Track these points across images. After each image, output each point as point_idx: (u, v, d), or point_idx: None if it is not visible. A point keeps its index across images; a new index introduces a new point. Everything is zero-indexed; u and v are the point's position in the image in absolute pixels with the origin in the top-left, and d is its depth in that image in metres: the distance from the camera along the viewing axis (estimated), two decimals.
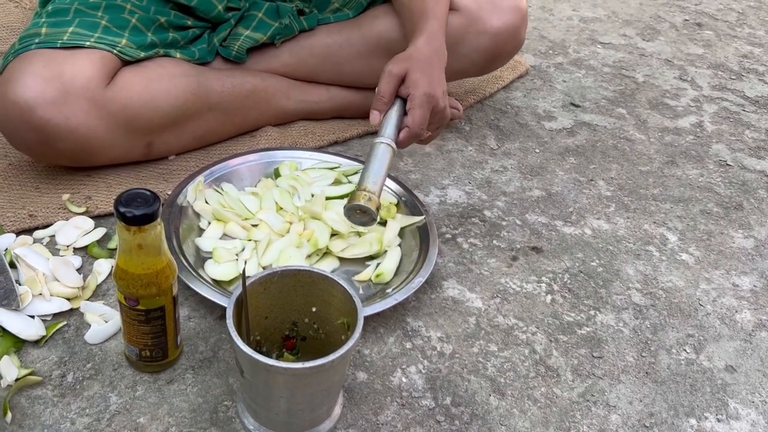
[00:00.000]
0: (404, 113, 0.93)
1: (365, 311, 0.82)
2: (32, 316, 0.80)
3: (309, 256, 0.91)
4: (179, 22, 1.07)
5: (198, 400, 0.75)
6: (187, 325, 0.83)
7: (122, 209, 0.65)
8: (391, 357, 0.82)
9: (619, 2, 1.89)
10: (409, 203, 1.00)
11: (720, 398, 0.83)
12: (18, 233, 0.91)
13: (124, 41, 0.98)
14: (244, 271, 0.70)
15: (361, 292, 0.89)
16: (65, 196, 0.97)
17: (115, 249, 0.90)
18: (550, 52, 1.59)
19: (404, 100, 0.93)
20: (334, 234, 0.94)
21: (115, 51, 0.96)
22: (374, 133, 0.94)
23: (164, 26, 1.04)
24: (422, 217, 0.97)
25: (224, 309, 0.80)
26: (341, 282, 0.71)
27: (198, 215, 0.95)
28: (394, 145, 0.91)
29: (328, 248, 0.93)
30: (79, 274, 0.86)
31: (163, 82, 0.99)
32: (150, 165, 1.05)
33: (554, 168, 1.20)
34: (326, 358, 0.64)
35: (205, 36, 1.10)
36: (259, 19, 1.10)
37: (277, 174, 1.03)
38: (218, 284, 0.86)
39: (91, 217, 0.95)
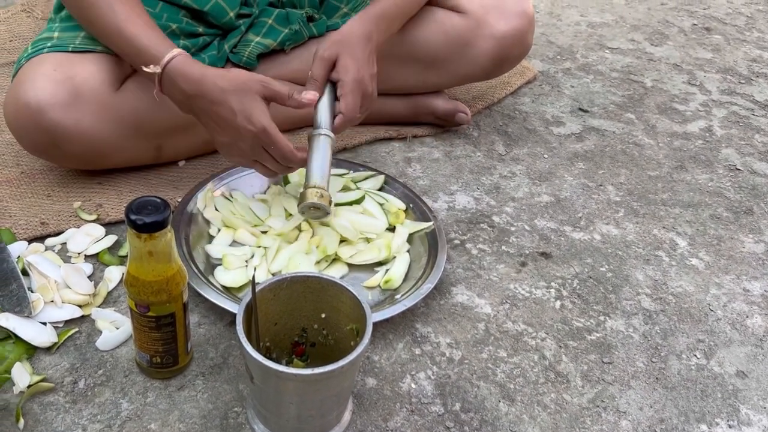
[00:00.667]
0: (335, 98, 0.94)
1: (374, 317, 0.82)
2: (44, 323, 0.80)
3: (318, 262, 0.91)
4: (190, 29, 1.07)
5: (208, 407, 0.75)
6: (197, 331, 0.83)
7: (133, 217, 0.65)
8: (401, 363, 0.82)
9: (627, 7, 1.88)
10: (418, 209, 1.00)
11: (731, 404, 0.82)
12: (30, 241, 0.92)
13: None
14: (253, 277, 0.70)
15: (370, 298, 0.89)
16: (76, 204, 0.98)
17: (126, 256, 0.91)
18: (558, 57, 1.59)
19: (334, 84, 0.95)
20: (342, 240, 0.94)
21: None
22: (311, 126, 0.96)
23: (176, 33, 1.05)
24: (431, 223, 0.97)
25: (234, 315, 0.81)
26: (350, 288, 0.71)
27: (208, 222, 0.96)
28: (332, 135, 0.93)
29: (336, 254, 0.93)
30: (90, 281, 0.86)
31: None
32: (160, 172, 1.06)
33: (563, 173, 1.20)
34: (335, 364, 0.64)
35: (215, 43, 1.10)
36: (269, 25, 1.11)
37: (286, 181, 1.04)
38: (228, 291, 0.86)
39: (102, 225, 0.96)
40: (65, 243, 0.92)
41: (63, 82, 0.90)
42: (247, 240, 0.93)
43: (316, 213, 0.90)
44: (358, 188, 1.03)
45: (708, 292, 0.98)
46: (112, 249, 0.93)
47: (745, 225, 1.12)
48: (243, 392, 0.77)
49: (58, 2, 1.09)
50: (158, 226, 0.66)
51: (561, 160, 1.23)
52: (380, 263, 0.93)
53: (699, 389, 0.83)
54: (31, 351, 0.78)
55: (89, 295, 0.84)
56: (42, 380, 0.75)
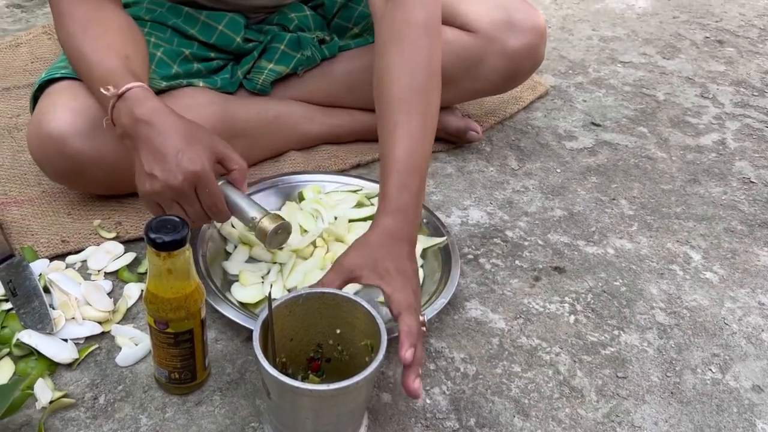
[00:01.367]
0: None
1: (388, 333, 0.83)
2: (65, 340, 0.82)
3: None
4: (203, 54, 1.09)
5: (225, 422, 0.76)
6: (214, 347, 0.84)
7: (152, 235, 0.67)
8: None
9: (638, 21, 1.89)
10: (431, 224, 1.01)
11: (747, 419, 0.82)
12: (51, 259, 0.94)
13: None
14: (269, 294, 0.72)
15: (384, 313, 0.90)
16: (96, 222, 1.00)
17: (145, 273, 0.93)
18: (570, 72, 1.60)
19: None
20: None
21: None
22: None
23: (189, 58, 1.07)
24: (444, 238, 0.98)
25: (250, 331, 0.82)
26: (364, 304, 0.72)
27: (224, 239, 0.97)
28: (228, 180, 0.86)
29: None
30: (110, 298, 0.88)
31: (190, 111, 1.01)
32: None
33: (576, 187, 1.20)
34: (350, 380, 0.65)
35: (228, 67, 1.12)
36: (282, 51, 1.12)
37: (301, 197, 1.05)
38: (244, 307, 0.88)
39: (122, 242, 0.97)
40: (85, 260, 0.94)
41: (82, 111, 0.92)
42: (263, 256, 0.94)
43: (282, 237, 0.85)
44: (371, 204, 1.04)
45: (723, 306, 0.98)
46: (131, 266, 0.94)
47: (759, 238, 1.12)
48: (260, 407, 0.78)
49: None
50: (177, 244, 0.67)
51: (574, 175, 1.24)
52: None
53: (714, 404, 0.83)
54: (52, 367, 0.79)
55: (109, 311, 0.86)
56: (63, 396, 0.76)
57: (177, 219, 0.69)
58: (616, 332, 0.92)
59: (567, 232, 1.09)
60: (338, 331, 0.76)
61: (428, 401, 0.80)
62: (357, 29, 1.20)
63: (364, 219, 1.00)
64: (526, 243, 1.06)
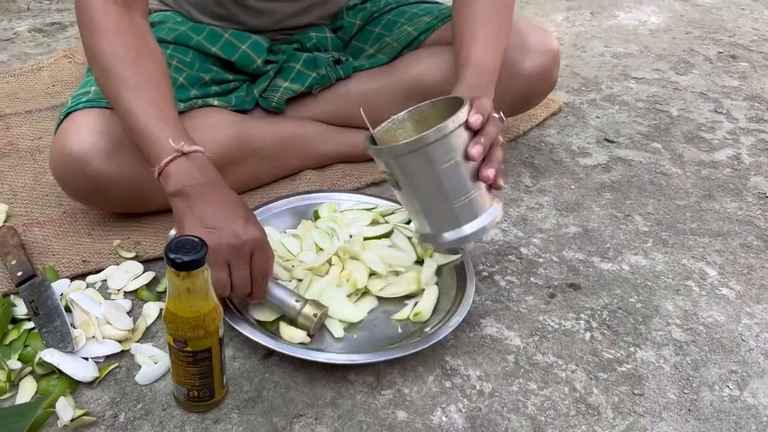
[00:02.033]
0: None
1: (404, 351, 0.84)
2: (86, 358, 0.83)
3: (349, 295, 0.93)
4: (220, 77, 1.12)
5: None
6: (232, 365, 0.85)
7: (172, 256, 0.68)
8: (431, 396, 0.83)
9: (651, 37, 1.90)
10: None
11: None
12: (72, 278, 0.96)
13: None
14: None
15: (399, 331, 0.91)
16: (116, 242, 1.01)
17: (163, 292, 0.94)
18: (583, 88, 1.60)
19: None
20: (372, 274, 0.96)
21: None
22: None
23: (207, 83, 1.10)
24: (459, 256, 0.99)
25: (267, 349, 0.83)
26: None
27: None
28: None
29: (366, 288, 0.95)
30: (130, 317, 0.89)
31: (207, 131, 1.03)
32: None
33: (590, 204, 1.20)
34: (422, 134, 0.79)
35: (243, 86, 1.14)
36: (297, 70, 1.14)
37: (316, 216, 1.07)
38: (261, 325, 0.89)
39: (141, 262, 0.99)
40: (105, 280, 0.96)
41: (104, 133, 0.94)
42: (280, 274, 0.95)
43: (321, 320, 0.88)
44: (386, 222, 1.05)
45: (740, 322, 0.97)
46: (150, 285, 0.96)
47: None
48: (277, 425, 0.78)
49: None
50: (196, 264, 0.69)
51: (588, 191, 1.24)
52: (409, 296, 0.95)
53: (732, 421, 0.83)
54: (74, 386, 0.81)
55: (128, 330, 0.87)
56: (84, 414, 0.77)
57: (196, 239, 0.70)
58: (632, 349, 0.92)
59: (582, 249, 1.09)
60: None
61: (444, 419, 0.81)
62: (372, 50, 1.21)
63: (379, 237, 1.01)
64: (541, 260, 1.06)
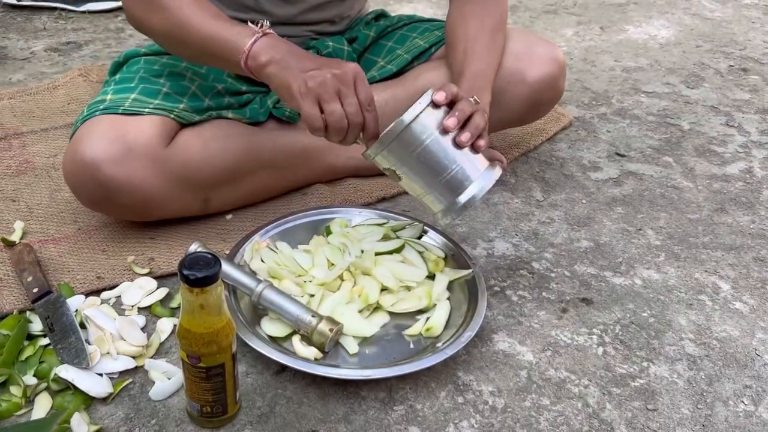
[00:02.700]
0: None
1: (416, 365, 0.84)
2: (100, 374, 0.84)
3: (360, 311, 0.94)
4: (235, 88, 1.13)
5: None
6: (244, 380, 0.86)
7: (186, 272, 0.69)
8: (443, 412, 0.83)
9: (661, 51, 1.90)
10: (457, 256, 1.02)
11: None
12: (87, 294, 0.97)
13: (181, 106, 1.05)
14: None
15: (411, 346, 0.91)
16: (130, 258, 1.02)
17: (177, 308, 0.95)
18: (594, 102, 1.61)
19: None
20: (383, 289, 0.96)
21: (172, 116, 1.03)
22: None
23: (221, 93, 1.11)
24: (470, 270, 0.99)
25: (280, 364, 0.83)
26: None
27: (254, 273, 0.99)
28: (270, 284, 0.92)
29: (378, 303, 0.95)
30: (143, 332, 0.90)
31: (219, 142, 1.05)
32: (208, 225, 1.10)
33: (602, 218, 1.20)
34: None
35: (257, 99, 1.16)
36: None
37: (328, 231, 1.07)
38: (274, 340, 0.89)
39: (154, 278, 1.00)
40: (120, 296, 0.97)
41: (116, 140, 0.96)
42: (292, 290, 0.96)
43: (336, 336, 0.89)
44: (397, 237, 1.05)
45: (754, 337, 0.97)
46: (164, 301, 0.97)
47: None
48: None
49: (112, 67, 1.17)
50: (209, 280, 0.69)
51: (599, 205, 1.24)
52: (421, 311, 0.95)
53: None
54: (88, 401, 0.81)
55: (142, 346, 0.88)
56: (99, 430, 0.78)
57: (209, 256, 0.71)
58: (645, 364, 0.91)
59: (594, 263, 1.09)
60: None
61: None
62: (384, 62, 1.23)
63: (391, 252, 1.02)
64: (553, 274, 1.06)
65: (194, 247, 0.94)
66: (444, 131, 0.88)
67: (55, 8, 1.95)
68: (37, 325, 0.90)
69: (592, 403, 0.85)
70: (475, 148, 0.90)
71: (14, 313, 0.91)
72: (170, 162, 1.00)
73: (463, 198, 0.88)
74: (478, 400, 0.85)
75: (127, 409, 0.81)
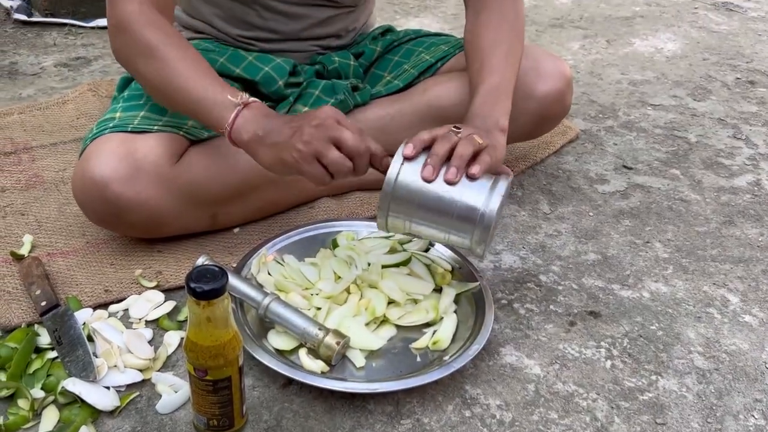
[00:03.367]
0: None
1: (423, 379, 0.83)
2: (108, 388, 0.84)
3: (367, 324, 0.93)
4: None
5: None
6: (251, 394, 0.86)
7: (193, 285, 0.69)
8: (451, 425, 0.83)
9: (668, 64, 1.90)
10: (464, 270, 1.02)
11: None
12: (95, 308, 0.97)
13: (190, 123, 1.06)
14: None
15: (418, 359, 0.91)
16: (138, 272, 1.03)
17: (184, 321, 0.95)
18: (600, 115, 1.61)
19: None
20: (390, 302, 0.96)
21: (180, 132, 1.03)
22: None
23: None
24: (477, 283, 0.99)
25: (287, 378, 0.83)
26: None
27: (261, 286, 0.99)
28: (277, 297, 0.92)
29: (385, 316, 0.95)
30: (151, 346, 0.90)
31: (226, 159, 1.05)
32: (216, 239, 1.11)
33: (609, 231, 1.20)
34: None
35: None
36: (316, 96, 1.16)
37: (334, 244, 1.07)
38: (281, 354, 0.89)
39: (162, 291, 1.00)
40: (127, 309, 0.97)
41: (125, 158, 0.97)
42: (298, 303, 0.96)
43: (343, 349, 0.89)
44: (404, 250, 1.05)
45: (763, 350, 0.96)
46: (171, 314, 0.97)
47: None
48: None
49: (121, 82, 1.18)
50: (216, 293, 0.69)
51: (606, 218, 1.24)
52: (428, 324, 0.95)
53: None
54: (95, 414, 0.81)
55: (150, 359, 0.88)
56: None
57: (216, 269, 0.71)
58: (653, 377, 0.91)
59: (601, 276, 1.09)
60: None
61: None
62: (390, 77, 1.24)
63: (397, 265, 1.02)
64: (560, 287, 1.06)
65: (201, 261, 0.94)
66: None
67: (65, 24, 1.97)
68: (45, 339, 0.90)
69: (601, 417, 0.85)
70: (470, 177, 0.86)
71: (23, 326, 0.92)
72: (178, 179, 1.01)
73: (480, 225, 0.86)
74: (486, 413, 0.85)
75: (134, 422, 0.81)
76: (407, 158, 0.87)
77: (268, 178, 1.10)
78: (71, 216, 1.14)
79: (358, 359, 0.89)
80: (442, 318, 0.95)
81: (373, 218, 1.16)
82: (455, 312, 0.96)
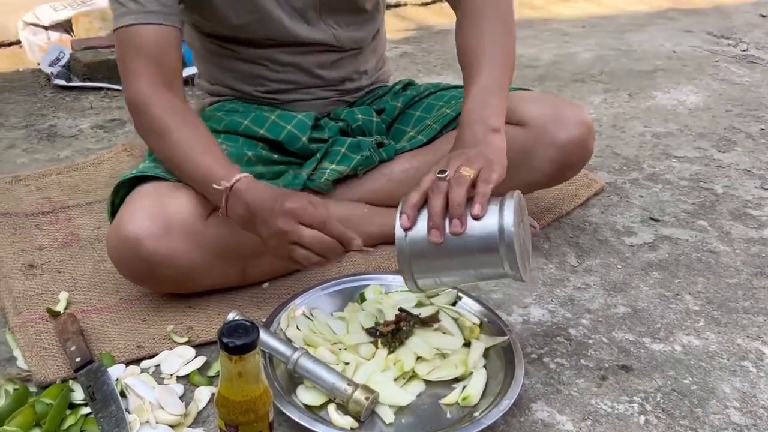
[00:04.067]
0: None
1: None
2: None
3: (396, 379, 0.93)
4: (267, 156, 1.17)
5: None
6: None
7: (225, 340, 0.70)
8: None
9: (690, 116, 1.91)
10: (492, 323, 1.02)
11: None
12: (127, 363, 0.98)
13: None
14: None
15: (448, 415, 0.90)
16: (169, 328, 1.04)
17: (214, 376, 0.96)
18: (625, 168, 1.61)
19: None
20: (419, 357, 0.96)
21: None
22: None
23: (252, 161, 1.15)
24: (506, 337, 0.98)
25: None
26: None
27: (290, 341, 1.00)
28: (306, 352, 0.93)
29: (414, 371, 0.95)
30: (182, 401, 0.91)
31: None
32: (245, 294, 1.12)
33: (638, 283, 1.19)
34: None
35: (290, 170, 1.19)
36: (343, 153, 1.19)
37: (362, 298, 1.08)
38: (310, 409, 0.89)
39: (193, 347, 1.01)
40: (159, 365, 0.98)
41: (157, 216, 1.00)
42: (327, 357, 0.96)
43: (372, 405, 0.88)
44: (431, 304, 1.06)
45: None
46: (202, 370, 0.98)
47: None
48: None
49: None
50: (248, 347, 0.70)
51: (635, 270, 1.23)
52: (457, 379, 0.94)
53: None
54: None
55: (181, 415, 0.88)
56: None
57: (248, 323, 0.72)
58: None
59: (632, 329, 1.08)
60: None
61: None
62: (413, 132, 1.26)
63: (425, 320, 1.02)
64: (591, 341, 1.05)
65: (232, 316, 0.96)
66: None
67: (101, 88, 2.05)
68: (79, 394, 0.91)
69: None
70: (474, 217, 0.86)
71: (57, 382, 0.93)
72: (208, 235, 1.03)
73: (503, 246, 0.85)
74: None
75: None
76: (407, 229, 0.88)
77: None
78: (105, 273, 1.17)
79: (387, 415, 0.89)
80: (471, 373, 0.95)
81: (400, 272, 1.17)
82: (485, 367, 0.96)
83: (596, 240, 1.32)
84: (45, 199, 1.41)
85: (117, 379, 0.93)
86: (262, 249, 1.02)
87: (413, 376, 0.95)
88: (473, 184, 0.88)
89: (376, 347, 0.98)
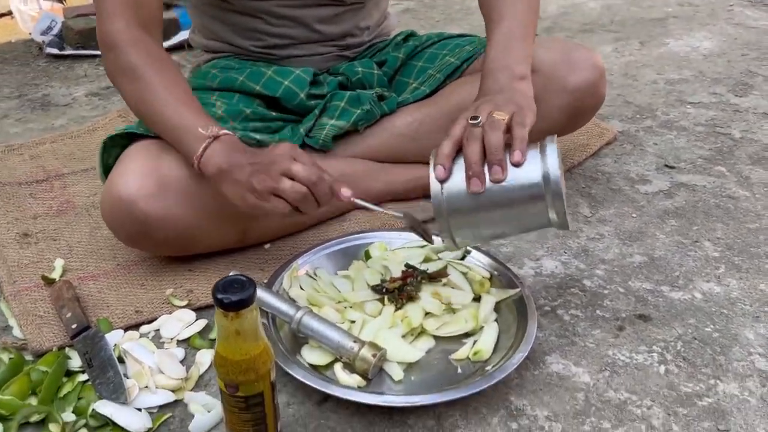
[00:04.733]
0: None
1: (465, 390, 0.79)
2: (139, 409, 0.82)
3: (404, 335, 0.90)
4: (263, 113, 1.12)
5: None
6: (286, 411, 0.82)
7: (220, 296, 0.66)
8: None
9: (705, 62, 1.84)
10: (503, 277, 0.98)
11: None
12: (126, 329, 0.95)
13: None
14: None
15: (459, 371, 0.86)
16: (168, 291, 1.01)
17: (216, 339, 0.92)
18: (638, 116, 1.55)
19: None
20: (427, 312, 0.92)
21: None
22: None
23: (249, 117, 1.10)
24: (518, 290, 0.94)
25: (323, 394, 0.80)
26: None
27: (293, 301, 0.96)
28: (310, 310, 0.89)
29: (422, 327, 0.91)
30: (183, 365, 0.88)
31: None
32: (246, 255, 1.09)
33: (654, 232, 1.15)
34: None
35: (288, 127, 1.15)
36: (342, 107, 1.14)
37: (367, 256, 1.04)
38: (315, 369, 0.86)
39: (193, 310, 0.98)
40: (158, 329, 0.95)
41: (150, 175, 0.95)
42: (332, 316, 0.93)
43: (380, 362, 0.85)
44: (439, 258, 1.02)
45: None
46: (203, 333, 0.94)
47: None
48: None
49: None
50: (244, 303, 0.67)
51: (651, 219, 1.18)
52: (468, 334, 0.91)
53: None
54: None
55: (182, 379, 0.85)
56: None
57: (244, 278, 0.69)
58: (712, 381, 0.85)
59: (649, 278, 1.03)
60: None
61: None
62: (416, 83, 1.21)
63: (433, 275, 0.98)
64: (606, 291, 1.01)
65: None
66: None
67: (96, 56, 2.00)
68: (76, 362, 0.88)
69: (658, 425, 0.79)
70: (516, 165, 0.82)
71: (54, 349, 0.90)
72: (205, 195, 0.99)
73: (549, 194, 0.80)
74: (534, 425, 0.80)
75: None
76: (443, 181, 0.83)
77: None
78: (102, 239, 1.14)
79: (396, 372, 0.85)
80: (482, 327, 0.91)
81: (405, 229, 1.13)
82: (496, 321, 0.92)
83: (609, 189, 1.27)
84: (39, 168, 1.37)
85: (115, 345, 0.90)
86: (228, 203, 0.97)
87: (422, 332, 0.91)
88: (507, 129, 0.83)
89: (383, 304, 0.94)
